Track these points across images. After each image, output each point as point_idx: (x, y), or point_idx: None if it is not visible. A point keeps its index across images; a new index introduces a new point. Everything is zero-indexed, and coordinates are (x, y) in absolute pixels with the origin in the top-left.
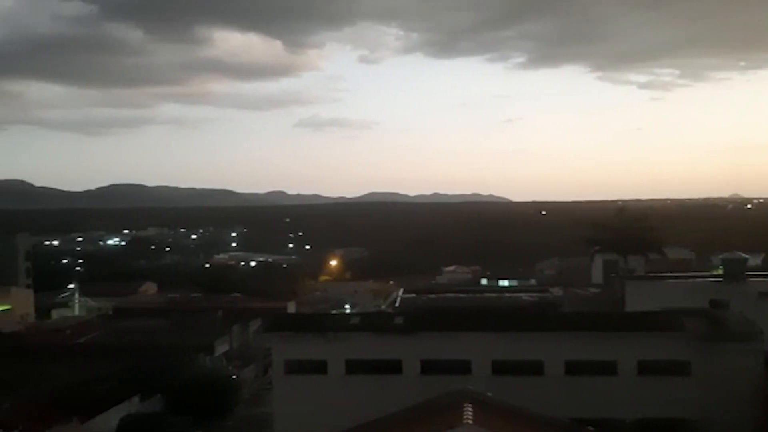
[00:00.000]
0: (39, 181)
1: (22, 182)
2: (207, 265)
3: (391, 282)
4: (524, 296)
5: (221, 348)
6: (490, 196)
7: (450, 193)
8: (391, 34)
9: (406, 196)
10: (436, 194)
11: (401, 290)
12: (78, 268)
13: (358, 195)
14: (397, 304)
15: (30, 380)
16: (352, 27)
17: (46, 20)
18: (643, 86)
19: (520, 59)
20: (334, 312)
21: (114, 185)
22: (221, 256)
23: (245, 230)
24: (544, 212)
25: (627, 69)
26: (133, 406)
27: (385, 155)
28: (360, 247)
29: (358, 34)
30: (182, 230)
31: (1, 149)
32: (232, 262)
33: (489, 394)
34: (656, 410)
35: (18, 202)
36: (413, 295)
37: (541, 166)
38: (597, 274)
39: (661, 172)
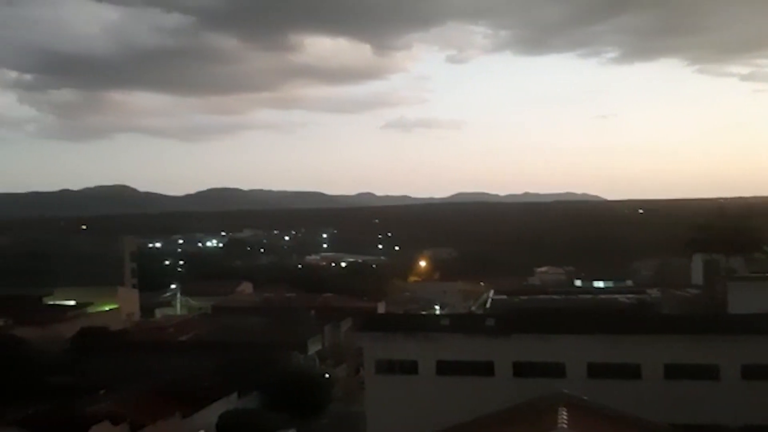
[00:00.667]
0: (142, 186)
1: (127, 187)
2: (300, 266)
3: (482, 283)
4: (620, 297)
5: (314, 347)
6: (584, 194)
7: (542, 192)
8: (479, 32)
9: (496, 195)
10: (527, 193)
11: (492, 291)
12: (179, 269)
13: (446, 195)
14: (487, 306)
15: (136, 375)
16: (439, 27)
17: (148, 32)
18: (745, 78)
19: (614, 54)
20: (423, 313)
21: (212, 189)
22: (313, 256)
23: (335, 231)
24: (640, 211)
25: (727, 61)
26: (231, 402)
27: (474, 155)
28: (449, 248)
29: (446, 33)
30: (276, 232)
31: (108, 156)
32: (324, 263)
33: (585, 397)
34: (761, 416)
35: (124, 207)
36: (504, 297)
37: (636, 163)
38: (697, 274)
39: (765, 167)
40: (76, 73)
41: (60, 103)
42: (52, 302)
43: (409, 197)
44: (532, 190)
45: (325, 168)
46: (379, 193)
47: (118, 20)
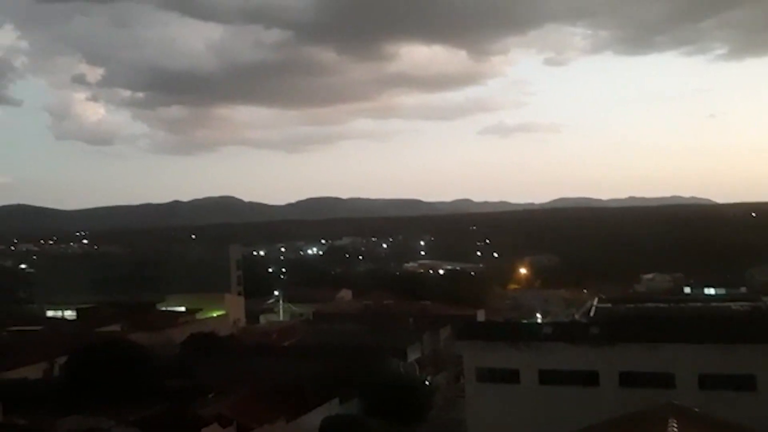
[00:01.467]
0: (247, 196)
1: (233, 198)
2: (398, 273)
3: (585, 291)
4: (733, 305)
5: (413, 354)
6: (692, 198)
7: (647, 195)
8: (578, 33)
9: (598, 200)
10: (631, 197)
11: (596, 299)
12: (282, 276)
13: (547, 201)
14: (591, 314)
15: (242, 379)
16: (537, 30)
17: (250, 48)
18: None
19: (722, 51)
20: (524, 321)
21: (312, 198)
22: (411, 264)
23: (433, 238)
24: (753, 214)
25: None
26: (333, 407)
27: (575, 159)
28: (550, 254)
29: (544, 36)
30: (374, 239)
31: (215, 168)
32: (422, 270)
33: (696, 409)
34: None
35: (230, 216)
36: (609, 305)
37: (748, 164)
38: None
39: None
40: (184, 90)
41: (170, 119)
42: (164, 308)
43: (508, 203)
44: (637, 194)
45: (422, 175)
46: (476, 199)
47: (222, 38)
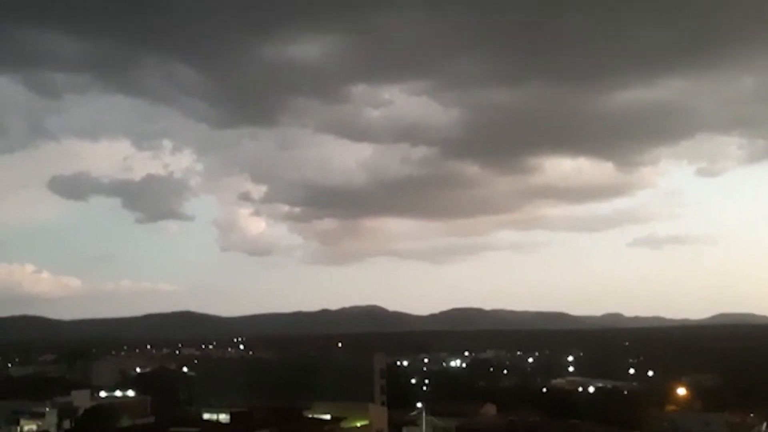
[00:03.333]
0: (391, 305)
1: (378, 307)
2: (544, 389)
3: (752, 414)
4: None
5: None
6: None
7: None
8: (732, 143)
9: (763, 316)
10: None
11: (765, 424)
12: (424, 388)
13: (705, 316)
14: None
15: None
16: (688, 140)
17: (397, 165)
18: None
19: None
20: None
21: (455, 309)
22: (558, 380)
23: (582, 354)
24: None
25: None
26: None
27: (735, 272)
28: (711, 374)
29: (696, 146)
30: (519, 352)
31: (362, 278)
32: (570, 387)
33: None
34: None
35: (374, 325)
36: None
37: None
38: None
39: None
40: (336, 204)
41: (322, 231)
42: (311, 415)
43: (662, 318)
44: None
45: (568, 288)
46: (628, 313)
47: (372, 155)
